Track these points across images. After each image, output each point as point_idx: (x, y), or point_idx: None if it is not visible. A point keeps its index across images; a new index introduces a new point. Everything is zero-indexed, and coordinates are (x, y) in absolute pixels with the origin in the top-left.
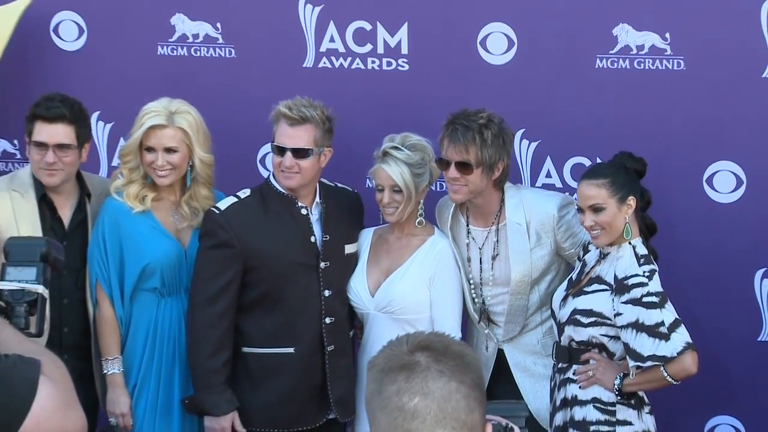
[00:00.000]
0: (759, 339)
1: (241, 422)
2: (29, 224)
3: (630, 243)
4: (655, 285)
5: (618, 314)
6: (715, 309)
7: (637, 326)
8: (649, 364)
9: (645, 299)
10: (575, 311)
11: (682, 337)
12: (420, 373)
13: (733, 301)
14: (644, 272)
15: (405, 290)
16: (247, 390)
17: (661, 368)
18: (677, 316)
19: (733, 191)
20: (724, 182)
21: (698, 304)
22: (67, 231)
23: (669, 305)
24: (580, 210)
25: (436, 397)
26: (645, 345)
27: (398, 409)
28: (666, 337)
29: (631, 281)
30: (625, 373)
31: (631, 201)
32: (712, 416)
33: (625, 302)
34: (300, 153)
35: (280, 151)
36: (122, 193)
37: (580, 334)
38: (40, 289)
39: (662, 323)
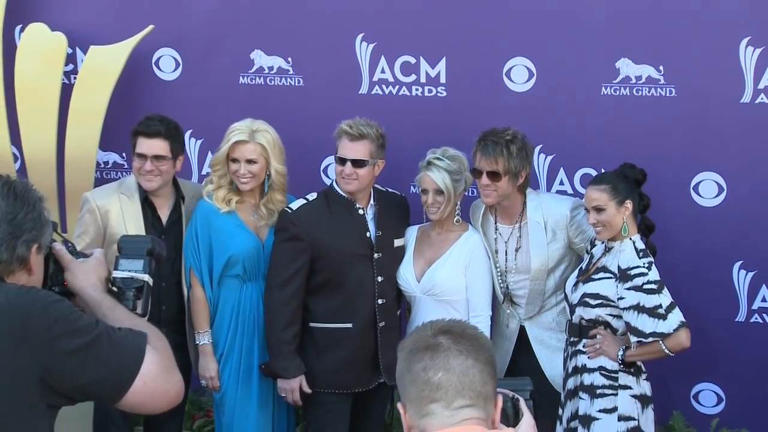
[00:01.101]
0: (736, 320)
1: (307, 384)
2: (134, 221)
3: (630, 239)
4: (654, 274)
5: (621, 298)
6: (700, 294)
7: (639, 308)
8: (650, 339)
9: (645, 286)
10: (585, 295)
11: (677, 317)
12: (443, 352)
13: (715, 288)
14: (644, 264)
15: (445, 276)
16: (313, 358)
17: (660, 343)
18: (672, 300)
19: (715, 197)
20: (708, 189)
21: (686, 290)
22: (165, 227)
23: (665, 291)
24: (586, 210)
25: (456, 372)
26: (646, 324)
27: (425, 383)
28: (663, 317)
29: (633, 271)
30: (627, 346)
31: (628, 204)
32: (697, 383)
33: (628, 288)
34: (358, 163)
35: (342, 161)
36: (212, 196)
37: (589, 314)
38: (146, 277)
39: (660, 306)
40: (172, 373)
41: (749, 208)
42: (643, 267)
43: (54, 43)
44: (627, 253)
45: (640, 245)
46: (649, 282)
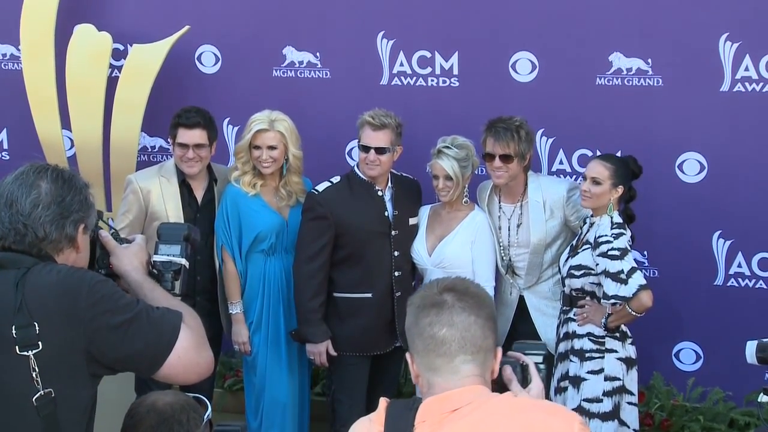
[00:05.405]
0: (715, 283)
1: (333, 347)
2: (173, 202)
3: (609, 215)
4: (619, 243)
5: (596, 264)
6: (682, 260)
7: (606, 273)
8: (612, 302)
9: (610, 253)
10: (572, 267)
11: (636, 281)
12: (447, 309)
13: (696, 255)
14: (612, 234)
15: (454, 251)
16: (336, 324)
17: (626, 305)
18: (634, 265)
19: (697, 174)
20: (691, 167)
21: (671, 257)
22: (200, 206)
23: (628, 257)
24: (583, 177)
25: (459, 328)
26: (610, 287)
27: (431, 337)
28: (624, 282)
29: (601, 239)
30: (610, 313)
31: (620, 189)
32: (678, 342)
33: (598, 255)
34: (380, 150)
35: (366, 149)
36: (239, 180)
37: (575, 284)
38: (183, 261)
39: (622, 271)
40: (204, 349)
41: (728, 184)
42: (610, 236)
43: (100, 42)
44: (603, 226)
45: (617, 219)
46: (613, 249)
